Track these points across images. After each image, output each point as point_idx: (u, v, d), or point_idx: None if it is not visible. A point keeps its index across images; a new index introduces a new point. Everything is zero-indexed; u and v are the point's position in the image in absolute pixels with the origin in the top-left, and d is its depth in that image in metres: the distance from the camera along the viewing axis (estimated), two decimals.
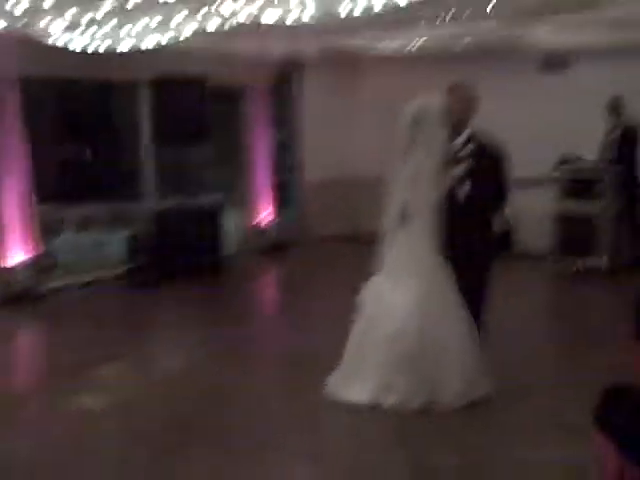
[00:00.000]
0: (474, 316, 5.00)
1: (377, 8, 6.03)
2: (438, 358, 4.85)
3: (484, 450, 4.46)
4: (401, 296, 4.94)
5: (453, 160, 5.09)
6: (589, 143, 9.30)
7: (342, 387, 5.08)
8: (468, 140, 5.17)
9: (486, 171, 5.10)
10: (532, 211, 10.03)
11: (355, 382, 5.01)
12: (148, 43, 7.61)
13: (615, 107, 9.31)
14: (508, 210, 10.37)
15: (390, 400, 4.87)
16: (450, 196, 5.04)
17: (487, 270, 5.22)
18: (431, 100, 5.07)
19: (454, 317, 4.92)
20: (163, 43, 7.61)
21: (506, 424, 4.75)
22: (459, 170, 5.09)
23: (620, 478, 2.11)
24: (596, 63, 10.00)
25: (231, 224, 10.93)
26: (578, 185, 9.05)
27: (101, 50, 7.68)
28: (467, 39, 9.46)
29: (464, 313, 4.94)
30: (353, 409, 4.92)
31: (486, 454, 4.40)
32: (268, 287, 10.02)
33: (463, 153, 5.14)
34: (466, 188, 5.09)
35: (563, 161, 9.25)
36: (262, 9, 6.12)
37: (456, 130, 5.15)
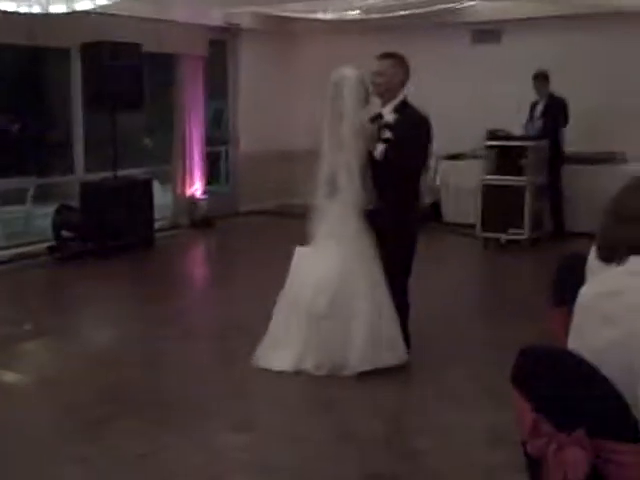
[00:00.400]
0: (395, 284, 5.08)
1: None
2: (349, 323, 4.95)
3: (408, 415, 4.58)
4: (322, 263, 5.06)
5: (377, 130, 5.09)
6: (520, 116, 9.44)
7: (269, 356, 5.16)
8: (395, 110, 5.13)
9: (410, 140, 5.02)
10: (461, 183, 10.25)
11: (280, 350, 5.12)
12: (80, 6, 7.42)
13: (539, 78, 9.42)
14: (438, 182, 10.64)
15: (308, 365, 5.00)
16: (373, 165, 5.09)
17: (410, 239, 5.18)
18: (350, 70, 5.12)
19: (371, 284, 5.00)
20: (96, 5, 7.43)
21: (431, 390, 4.85)
22: (382, 139, 5.08)
23: (536, 433, 2.19)
24: (527, 35, 10.19)
25: (163, 196, 10.83)
26: (504, 159, 9.19)
27: (30, 13, 7.45)
28: (401, 11, 9.52)
29: (382, 281, 5.02)
30: (280, 376, 5.00)
31: (410, 419, 4.51)
32: (199, 261, 9.97)
33: (388, 122, 5.14)
34: (382, 151, 5.04)
35: (491, 135, 9.36)
36: None
37: (384, 100, 5.17)
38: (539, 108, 9.54)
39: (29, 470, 3.82)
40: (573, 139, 9.57)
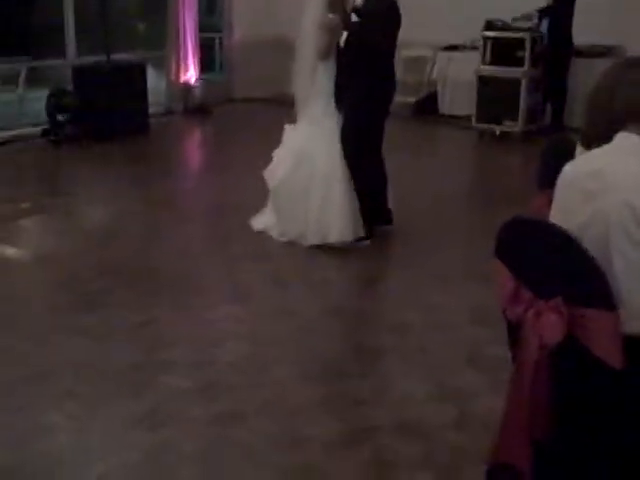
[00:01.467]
0: (360, 163, 5.28)
1: None
2: (303, 198, 5.27)
3: (395, 294, 4.72)
4: (292, 140, 5.42)
5: (345, 20, 5.18)
6: (519, 5, 9.23)
7: (256, 218, 5.70)
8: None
9: (372, 19, 5.09)
10: (458, 75, 10.16)
11: (262, 215, 5.66)
12: None
13: None
14: (434, 73, 10.53)
15: (274, 231, 5.45)
16: (340, 55, 5.27)
17: (369, 113, 5.29)
18: None
19: (326, 163, 5.26)
20: None
21: (417, 271, 4.98)
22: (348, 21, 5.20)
23: (516, 300, 2.29)
24: None
25: (156, 82, 10.71)
26: (501, 50, 9.08)
27: None
28: None
29: (338, 161, 5.25)
30: (275, 252, 5.28)
31: (396, 297, 4.66)
32: (194, 146, 9.93)
33: (356, 6, 5.23)
34: (345, 38, 5.16)
35: (488, 26, 9.21)
36: None
37: None
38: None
39: (34, 340, 3.97)
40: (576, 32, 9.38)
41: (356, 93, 5.21)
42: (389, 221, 5.60)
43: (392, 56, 5.43)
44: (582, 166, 2.31)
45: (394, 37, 5.29)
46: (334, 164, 5.24)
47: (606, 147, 2.27)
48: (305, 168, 5.28)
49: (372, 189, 5.38)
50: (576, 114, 9.25)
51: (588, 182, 2.21)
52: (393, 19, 5.19)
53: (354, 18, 5.20)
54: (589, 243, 2.15)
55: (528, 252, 2.30)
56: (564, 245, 2.19)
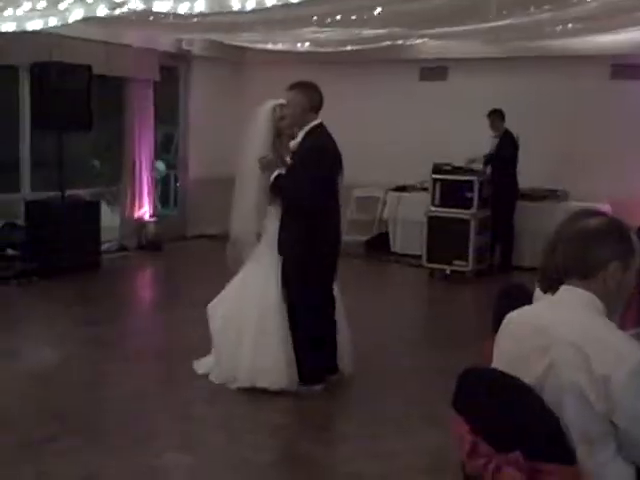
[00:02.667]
0: (301, 317, 5.19)
1: (270, 3, 6.07)
2: (238, 340, 5.21)
3: (349, 441, 4.60)
4: (236, 280, 5.43)
5: (277, 159, 5.21)
6: (465, 151, 9.64)
7: (198, 363, 5.64)
8: (303, 137, 5.16)
9: (301, 168, 5.06)
10: (408, 215, 10.42)
11: (207, 358, 5.58)
12: (32, 26, 7.41)
13: (495, 115, 9.60)
14: (385, 213, 10.78)
15: (213, 374, 5.37)
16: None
17: (299, 268, 5.17)
18: (268, 102, 5.35)
19: (264, 307, 5.17)
20: (48, 26, 7.43)
21: (374, 417, 4.91)
22: (278, 170, 5.20)
23: (475, 454, 2.26)
24: (472, 74, 10.49)
25: (110, 218, 10.75)
26: (449, 192, 9.34)
27: None
28: (350, 46, 9.70)
29: (276, 308, 5.16)
30: (223, 398, 5.13)
31: (351, 445, 4.54)
32: (145, 284, 9.90)
33: (291, 149, 5.23)
34: (273, 177, 5.18)
35: (437, 168, 9.52)
36: None
37: (297, 130, 5.21)
38: (492, 145, 9.69)
39: None
40: (521, 175, 9.76)
41: (291, 236, 5.15)
42: (332, 371, 5.41)
43: (330, 199, 5.20)
44: (528, 318, 2.36)
45: (325, 186, 5.13)
46: (269, 305, 5.17)
47: (552, 300, 2.33)
48: (241, 308, 5.24)
49: (317, 334, 5.24)
50: (524, 254, 9.53)
51: (537, 338, 2.24)
52: (320, 168, 5.06)
53: (288, 162, 5.22)
54: (547, 396, 2.16)
55: (485, 404, 2.29)
56: (521, 397, 2.20)
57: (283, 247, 5.18)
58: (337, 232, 5.33)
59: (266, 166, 5.18)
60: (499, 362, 2.37)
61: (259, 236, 5.33)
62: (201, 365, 5.58)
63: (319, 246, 5.13)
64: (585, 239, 2.26)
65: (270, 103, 5.33)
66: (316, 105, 5.18)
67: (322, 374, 5.30)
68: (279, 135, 5.30)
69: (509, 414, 2.21)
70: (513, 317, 2.40)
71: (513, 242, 9.82)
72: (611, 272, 2.23)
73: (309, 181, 5.00)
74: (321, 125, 5.19)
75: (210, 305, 5.47)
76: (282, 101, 5.29)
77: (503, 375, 2.28)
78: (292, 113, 5.16)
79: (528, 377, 2.20)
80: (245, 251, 5.41)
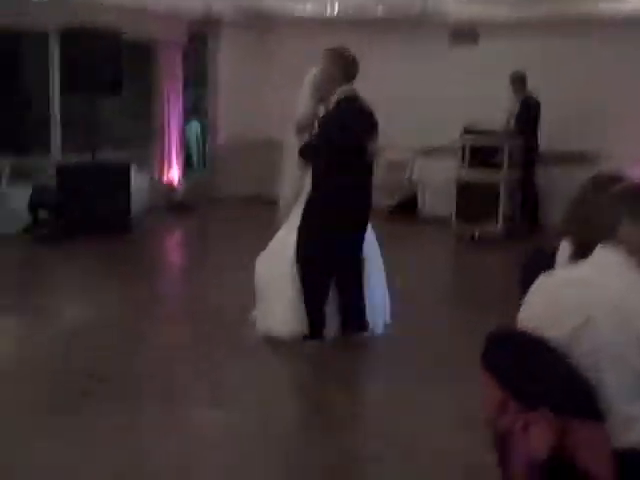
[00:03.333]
0: (310, 268, 5.30)
1: None
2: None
3: (380, 397, 4.69)
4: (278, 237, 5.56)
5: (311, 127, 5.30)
6: (495, 114, 9.59)
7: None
8: (335, 104, 5.20)
9: (325, 133, 5.13)
10: (437, 177, 10.40)
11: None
12: None
13: (517, 81, 9.61)
14: (415, 175, 10.78)
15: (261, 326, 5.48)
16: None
17: (306, 220, 5.31)
18: (311, 71, 5.38)
19: (284, 262, 5.34)
20: None
21: (404, 374, 4.96)
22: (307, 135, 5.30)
23: (504, 411, 2.31)
24: (503, 37, 10.33)
25: (140, 181, 10.83)
26: (479, 154, 9.32)
27: None
28: (380, 7, 9.61)
29: (287, 261, 5.33)
30: (257, 354, 5.23)
31: (382, 401, 4.63)
32: (176, 245, 10.00)
33: (318, 118, 5.30)
34: (301, 142, 5.29)
35: (467, 130, 9.49)
36: None
37: (326, 95, 5.25)
38: (514, 107, 9.69)
39: (13, 442, 3.89)
40: (550, 138, 9.73)
41: (312, 197, 5.27)
42: (361, 328, 5.49)
43: (348, 168, 5.17)
44: (565, 276, 2.38)
45: (356, 133, 5.16)
46: (288, 263, 5.34)
47: (587, 260, 2.34)
48: (279, 264, 5.38)
49: (314, 288, 5.34)
50: (551, 213, 9.49)
51: (573, 295, 2.26)
52: (335, 138, 5.10)
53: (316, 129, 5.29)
54: (580, 352, 2.18)
55: (514, 363, 2.33)
56: (550, 357, 2.23)
57: (306, 207, 5.31)
58: (358, 199, 5.28)
59: (300, 129, 5.26)
60: (528, 317, 2.39)
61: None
62: (251, 317, 5.67)
63: (335, 210, 5.17)
64: (593, 205, 2.29)
65: (314, 69, 5.36)
66: (347, 73, 5.20)
67: (318, 332, 5.36)
68: (322, 100, 5.32)
69: (537, 373, 2.24)
70: (548, 276, 2.42)
71: (538, 203, 9.79)
72: (627, 232, 2.24)
73: (325, 151, 5.09)
74: (352, 93, 5.19)
75: (257, 259, 5.58)
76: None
77: (530, 335, 2.31)
78: (322, 78, 5.23)
79: (558, 331, 2.22)
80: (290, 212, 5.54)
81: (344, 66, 5.20)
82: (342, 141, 5.09)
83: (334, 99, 5.19)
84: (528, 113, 9.55)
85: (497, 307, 5.97)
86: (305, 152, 5.25)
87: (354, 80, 5.24)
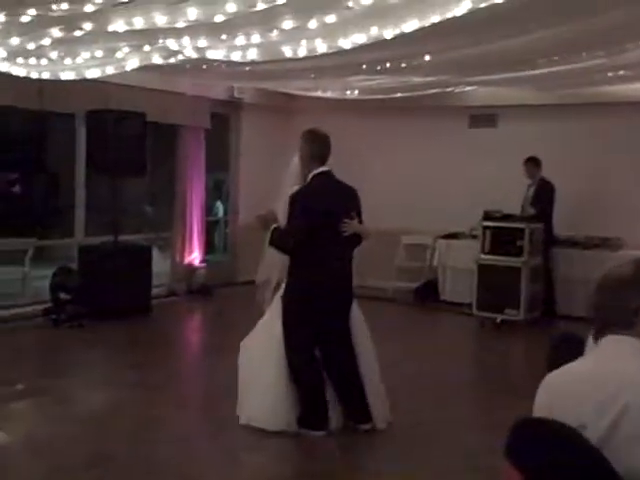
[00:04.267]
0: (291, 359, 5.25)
1: (321, 49, 6.13)
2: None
3: None
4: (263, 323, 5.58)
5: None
6: (514, 199, 9.62)
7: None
8: (307, 183, 5.28)
9: (290, 212, 5.15)
10: (458, 262, 10.34)
11: None
12: (90, 74, 7.60)
13: (531, 164, 9.63)
14: (435, 261, 10.70)
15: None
16: None
17: (286, 309, 5.28)
18: (293, 160, 5.47)
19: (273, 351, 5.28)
20: (105, 74, 7.62)
21: (419, 468, 4.79)
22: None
23: None
24: (522, 121, 10.45)
25: (162, 263, 10.86)
26: (500, 239, 9.25)
27: (39, 78, 7.64)
28: (399, 93, 9.74)
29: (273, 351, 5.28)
30: (266, 444, 5.10)
31: None
32: (195, 329, 9.96)
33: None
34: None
35: (487, 215, 9.48)
36: (207, 47, 6.21)
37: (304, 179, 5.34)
38: (530, 191, 9.70)
39: None
40: (568, 223, 9.72)
41: (289, 282, 5.28)
42: (363, 420, 5.30)
43: (320, 245, 5.14)
44: (581, 372, 2.29)
45: (313, 233, 5.09)
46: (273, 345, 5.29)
47: (602, 352, 2.27)
48: (259, 350, 5.39)
49: (304, 379, 5.25)
50: (576, 303, 9.33)
51: (600, 389, 2.17)
52: (301, 216, 5.08)
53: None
54: (616, 444, 2.09)
55: (541, 455, 2.22)
56: (580, 449, 2.13)
57: (284, 293, 5.30)
58: (332, 278, 5.22)
59: (263, 224, 5.29)
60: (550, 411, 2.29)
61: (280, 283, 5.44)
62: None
63: (308, 291, 5.16)
64: (614, 288, 2.22)
65: (295, 158, 5.43)
66: (317, 154, 5.25)
67: (319, 421, 5.23)
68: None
69: (566, 465, 2.14)
70: (560, 376, 2.33)
71: (554, 290, 9.67)
72: None
73: (293, 230, 5.10)
74: (323, 173, 5.23)
75: (241, 344, 5.59)
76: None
77: (560, 424, 2.21)
78: (300, 161, 5.32)
79: (593, 431, 2.13)
80: (268, 295, 5.54)
81: (314, 147, 5.27)
82: (307, 217, 5.08)
83: (307, 180, 5.26)
84: (543, 197, 9.51)
85: (520, 396, 5.84)
86: (272, 239, 5.23)
87: (326, 161, 5.28)
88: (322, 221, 5.11)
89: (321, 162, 5.24)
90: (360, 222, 5.30)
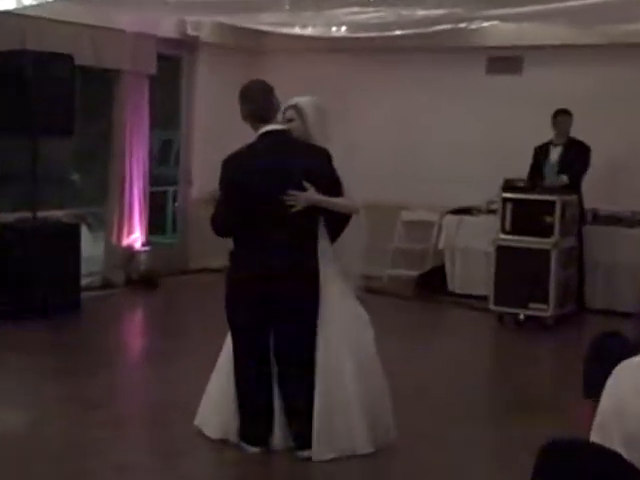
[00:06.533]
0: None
1: None
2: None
3: None
4: None
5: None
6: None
7: None
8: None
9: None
10: (471, 244, 10.39)
11: None
12: (2, 5, 7.55)
13: (562, 118, 9.68)
14: (441, 242, 10.76)
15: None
16: None
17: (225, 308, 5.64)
18: None
19: None
20: (21, 5, 7.57)
21: None
22: None
23: None
24: (553, 66, 10.52)
25: (93, 247, 10.83)
26: (524, 216, 9.28)
27: None
28: (399, 30, 9.73)
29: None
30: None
31: None
32: (136, 329, 10.01)
33: None
34: None
35: (508, 185, 9.52)
36: None
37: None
38: (555, 152, 9.77)
39: None
40: (592, 195, 9.82)
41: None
42: (301, 444, 5.37)
43: (247, 222, 5.36)
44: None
45: (237, 207, 5.35)
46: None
47: None
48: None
49: (241, 389, 5.47)
50: (617, 294, 9.45)
51: None
52: (224, 187, 5.41)
53: None
54: None
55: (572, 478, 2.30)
56: (616, 471, 2.20)
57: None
58: (262, 263, 5.32)
59: (209, 200, 5.59)
60: (622, 427, 2.34)
61: None
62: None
63: (238, 282, 5.45)
64: None
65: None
66: (252, 113, 5.44)
67: (252, 436, 5.43)
68: None
69: None
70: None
71: (585, 279, 9.81)
72: None
73: (219, 205, 5.42)
74: (268, 134, 5.37)
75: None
76: (294, 101, 5.58)
77: (597, 446, 2.28)
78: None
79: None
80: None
81: (251, 104, 5.44)
82: (235, 192, 5.30)
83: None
84: (575, 160, 9.58)
85: (549, 411, 5.91)
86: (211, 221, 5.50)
87: (270, 118, 5.42)
88: (258, 195, 5.27)
89: (262, 120, 5.39)
90: (336, 192, 5.37)
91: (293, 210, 5.23)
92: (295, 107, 5.54)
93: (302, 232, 5.38)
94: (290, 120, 5.51)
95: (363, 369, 5.42)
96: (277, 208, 5.23)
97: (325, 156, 5.39)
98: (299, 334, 5.38)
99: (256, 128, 5.41)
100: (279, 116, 5.52)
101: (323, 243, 5.45)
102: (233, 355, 5.48)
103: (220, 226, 5.44)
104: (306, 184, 5.26)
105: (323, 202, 5.34)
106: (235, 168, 5.35)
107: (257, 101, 5.43)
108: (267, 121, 5.38)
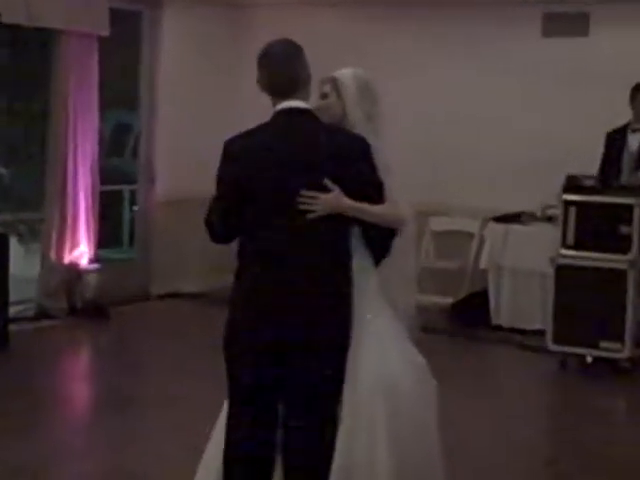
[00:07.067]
0: None
1: None
2: None
3: None
4: None
5: None
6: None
7: None
8: None
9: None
10: (522, 262, 10.34)
11: None
12: None
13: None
14: (484, 261, 10.71)
15: None
16: None
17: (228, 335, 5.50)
18: None
19: None
20: None
21: None
22: None
23: None
24: (628, 25, 10.53)
25: (25, 264, 10.77)
26: (593, 225, 9.24)
27: None
28: None
29: None
30: None
31: None
32: (77, 372, 10.00)
33: None
34: None
35: (571, 185, 9.45)
36: None
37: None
38: (635, 140, 9.73)
39: None
40: None
41: None
42: None
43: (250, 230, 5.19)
44: None
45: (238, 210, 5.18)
46: None
47: None
48: None
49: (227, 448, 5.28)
50: None
51: None
52: (221, 184, 5.19)
53: None
54: None
55: None
56: None
57: None
58: (270, 294, 5.09)
59: None
60: None
61: None
62: None
63: (239, 322, 5.17)
64: None
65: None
66: (266, 84, 5.25)
67: None
68: None
69: None
70: None
71: None
72: None
73: (216, 200, 5.21)
74: (282, 113, 5.20)
75: None
76: (337, 73, 5.39)
77: None
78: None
79: None
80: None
81: (266, 71, 5.25)
82: (232, 187, 5.10)
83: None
84: None
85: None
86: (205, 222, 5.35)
87: (288, 93, 5.23)
88: (263, 194, 5.06)
89: (280, 94, 5.21)
90: (376, 197, 5.19)
91: (310, 217, 5.01)
92: (333, 80, 5.37)
93: (327, 249, 5.14)
94: (324, 96, 5.37)
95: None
96: (289, 214, 5.04)
97: (360, 148, 5.22)
98: (318, 420, 5.15)
99: (273, 104, 5.25)
100: (315, 90, 5.37)
101: (360, 265, 5.19)
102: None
103: (217, 228, 5.20)
104: (329, 183, 5.03)
105: (354, 209, 5.12)
106: (237, 154, 5.12)
107: (274, 68, 5.25)
108: (287, 95, 5.19)
